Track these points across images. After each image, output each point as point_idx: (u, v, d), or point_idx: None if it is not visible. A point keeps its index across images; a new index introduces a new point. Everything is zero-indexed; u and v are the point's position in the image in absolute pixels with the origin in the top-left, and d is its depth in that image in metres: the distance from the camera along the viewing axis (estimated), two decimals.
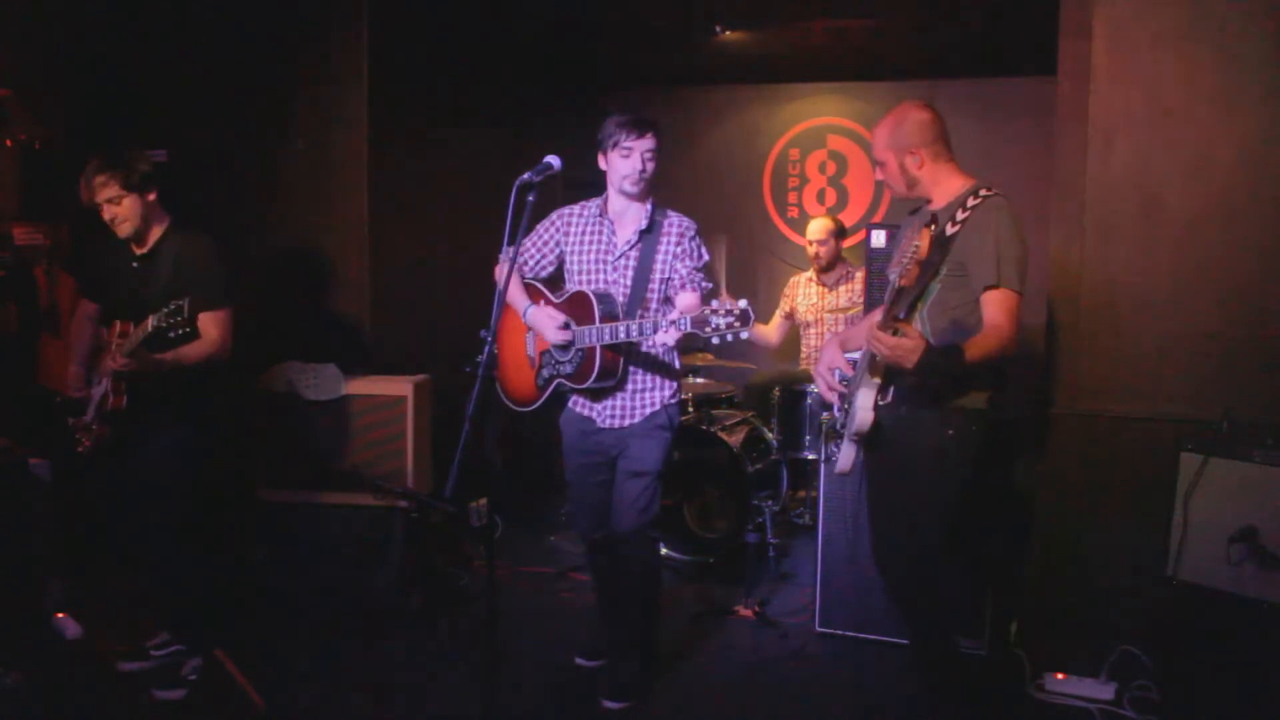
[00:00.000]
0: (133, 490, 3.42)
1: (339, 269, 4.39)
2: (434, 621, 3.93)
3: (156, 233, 3.42)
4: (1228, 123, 3.29)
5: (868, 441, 2.83)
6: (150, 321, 3.17)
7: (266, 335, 4.25)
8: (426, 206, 4.82)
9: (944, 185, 2.83)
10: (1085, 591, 3.48)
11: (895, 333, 2.51)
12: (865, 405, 2.75)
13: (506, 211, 2.70)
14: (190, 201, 4.29)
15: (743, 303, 2.66)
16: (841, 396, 2.91)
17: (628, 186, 3.17)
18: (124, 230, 3.36)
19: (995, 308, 2.65)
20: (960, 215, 2.72)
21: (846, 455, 2.91)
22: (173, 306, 3.12)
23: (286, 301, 4.40)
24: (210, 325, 3.37)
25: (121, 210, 3.33)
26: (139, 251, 3.42)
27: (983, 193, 2.74)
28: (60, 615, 3.65)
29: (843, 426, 2.91)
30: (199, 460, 3.46)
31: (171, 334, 3.18)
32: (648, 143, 3.13)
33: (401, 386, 3.99)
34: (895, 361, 2.53)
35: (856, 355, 2.92)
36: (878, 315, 2.67)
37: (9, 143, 4.08)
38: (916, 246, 2.52)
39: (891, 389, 2.78)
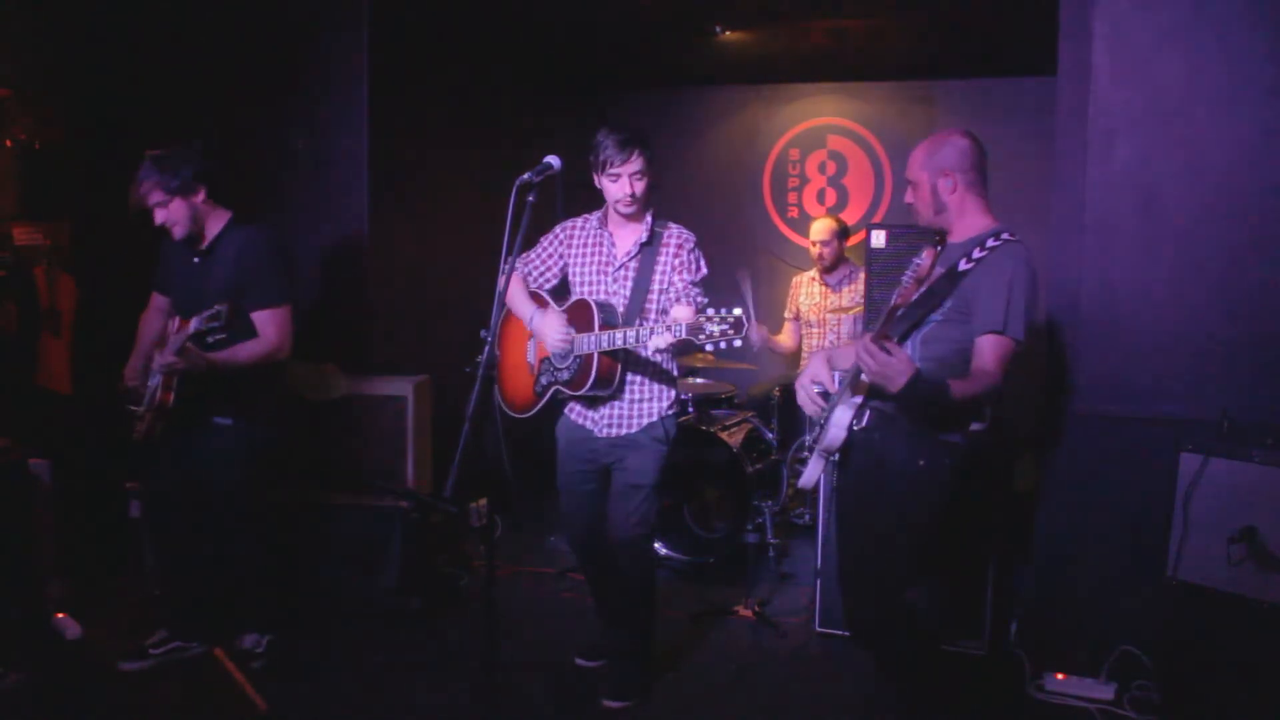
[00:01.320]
0: (190, 488, 3.42)
1: (339, 269, 4.39)
2: (434, 621, 3.93)
3: (215, 229, 3.39)
4: (1228, 123, 3.29)
5: (838, 462, 2.82)
6: (192, 323, 3.18)
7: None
8: (426, 206, 4.82)
9: (968, 219, 2.78)
10: (1085, 591, 3.48)
11: (886, 352, 2.48)
12: (840, 423, 2.75)
13: (506, 211, 2.70)
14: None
15: (737, 310, 2.66)
16: (820, 410, 2.90)
17: (621, 209, 3.19)
18: (177, 233, 3.34)
19: (990, 353, 2.60)
20: (977, 254, 2.67)
21: (813, 470, 2.90)
22: (214, 310, 3.11)
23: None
24: (266, 324, 3.33)
25: (170, 214, 3.31)
26: (200, 248, 3.40)
27: (1004, 236, 2.70)
28: (60, 615, 3.65)
29: (814, 441, 2.90)
30: (255, 460, 3.44)
31: (210, 338, 3.18)
32: (635, 165, 3.12)
33: (401, 386, 3.99)
34: (880, 381, 2.50)
35: (842, 372, 2.92)
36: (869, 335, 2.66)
37: (9, 143, 4.08)
38: (918, 264, 2.47)
39: (867, 413, 2.76)
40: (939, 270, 2.75)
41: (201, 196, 3.35)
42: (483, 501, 4.42)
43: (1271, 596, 2.96)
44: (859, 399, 2.76)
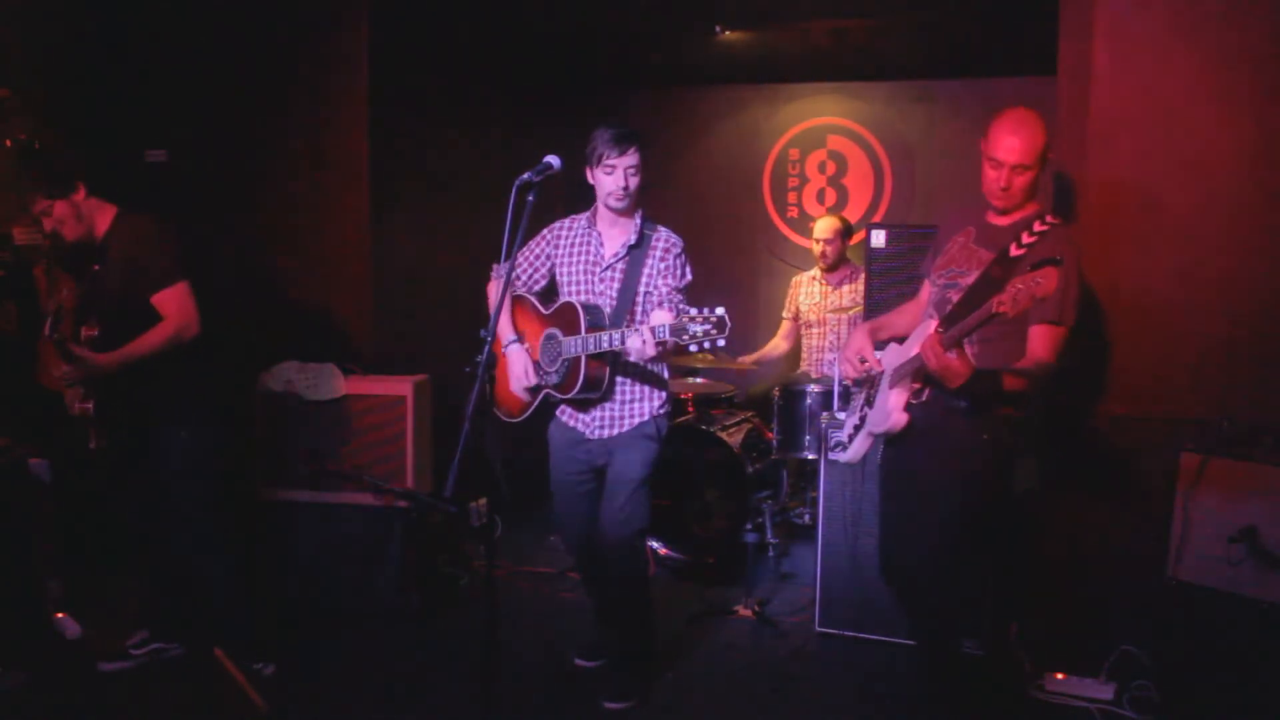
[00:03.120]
0: (148, 495, 3.39)
1: (339, 269, 4.39)
2: (434, 621, 3.93)
3: (103, 226, 3.30)
4: (1228, 123, 3.29)
5: (896, 438, 2.84)
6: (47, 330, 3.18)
7: (266, 335, 4.25)
8: (426, 206, 4.82)
9: (1028, 203, 2.81)
10: (1085, 591, 3.47)
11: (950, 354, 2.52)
12: (898, 406, 2.78)
13: (506, 211, 2.70)
14: (190, 201, 4.31)
15: (719, 310, 2.67)
16: (865, 386, 2.91)
17: (612, 203, 3.18)
18: (69, 234, 3.26)
19: (1046, 342, 2.64)
20: (1026, 239, 2.68)
21: (860, 447, 2.94)
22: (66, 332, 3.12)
23: (286, 301, 4.40)
24: (165, 304, 3.23)
25: (55, 218, 3.23)
26: (94, 254, 3.32)
27: (1049, 219, 2.72)
28: (60, 615, 3.65)
29: (861, 418, 2.91)
30: (209, 462, 3.40)
31: (59, 349, 3.15)
32: (630, 159, 3.12)
33: (401, 386, 3.99)
34: (939, 377, 2.57)
35: (883, 351, 2.94)
36: (933, 324, 2.67)
37: (9, 143, 4.07)
38: (1038, 283, 2.32)
39: (926, 390, 2.80)
40: (986, 254, 2.77)
41: (82, 194, 3.26)
42: (483, 501, 4.44)
43: (1271, 596, 2.96)
44: (916, 385, 2.79)
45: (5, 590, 3.49)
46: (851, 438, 3.03)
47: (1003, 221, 2.83)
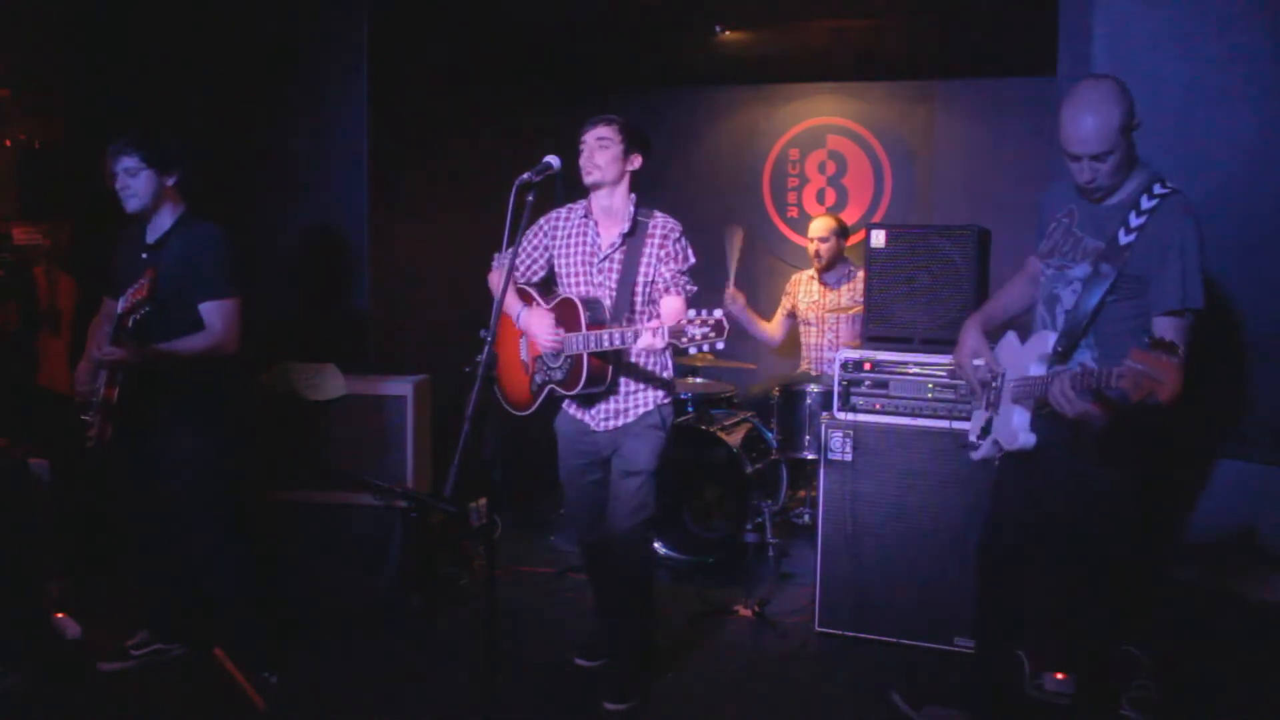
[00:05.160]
0: (150, 498, 3.38)
1: (339, 269, 4.39)
2: (434, 621, 3.93)
3: (167, 221, 3.31)
4: (1228, 123, 3.29)
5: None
6: (119, 304, 3.10)
7: (266, 335, 4.25)
8: (426, 206, 4.82)
9: (1125, 177, 2.55)
10: (1085, 591, 3.46)
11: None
12: (1023, 426, 2.67)
13: (506, 211, 2.70)
14: (190, 201, 4.30)
15: (718, 313, 2.67)
16: (985, 386, 2.86)
17: (585, 178, 3.22)
18: (131, 205, 3.25)
19: (1171, 334, 2.34)
20: (1135, 220, 2.47)
21: (989, 450, 2.88)
22: (137, 285, 3.05)
23: (286, 301, 4.40)
24: (213, 316, 3.25)
25: (135, 184, 3.23)
26: (149, 242, 3.32)
27: (1158, 190, 2.49)
28: (60, 615, 3.65)
29: (987, 420, 2.85)
30: (214, 463, 3.37)
31: (135, 316, 3.11)
32: (598, 130, 3.17)
33: (401, 386, 3.99)
34: (1061, 411, 2.42)
35: (1000, 345, 2.87)
36: (1051, 340, 2.60)
37: (9, 143, 4.07)
38: (1159, 381, 2.12)
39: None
40: (1096, 244, 2.58)
41: (173, 181, 3.29)
42: (483, 501, 4.44)
43: (1271, 596, 2.96)
44: (1041, 407, 2.65)
45: (5, 590, 3.49)
46: (980, 439, 2.92)
47: (1107, 202, 2.61)
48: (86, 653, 3.54)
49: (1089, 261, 2.61)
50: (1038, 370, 2.64)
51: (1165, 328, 2.42)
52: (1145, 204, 2.49)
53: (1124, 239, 2.50)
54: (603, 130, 3.18)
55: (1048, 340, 2.66)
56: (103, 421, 3.26)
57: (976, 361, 2.88)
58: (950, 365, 3.57)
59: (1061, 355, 2.62)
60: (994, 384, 2.86)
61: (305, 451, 3.99)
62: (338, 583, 3.96)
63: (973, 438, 2.99)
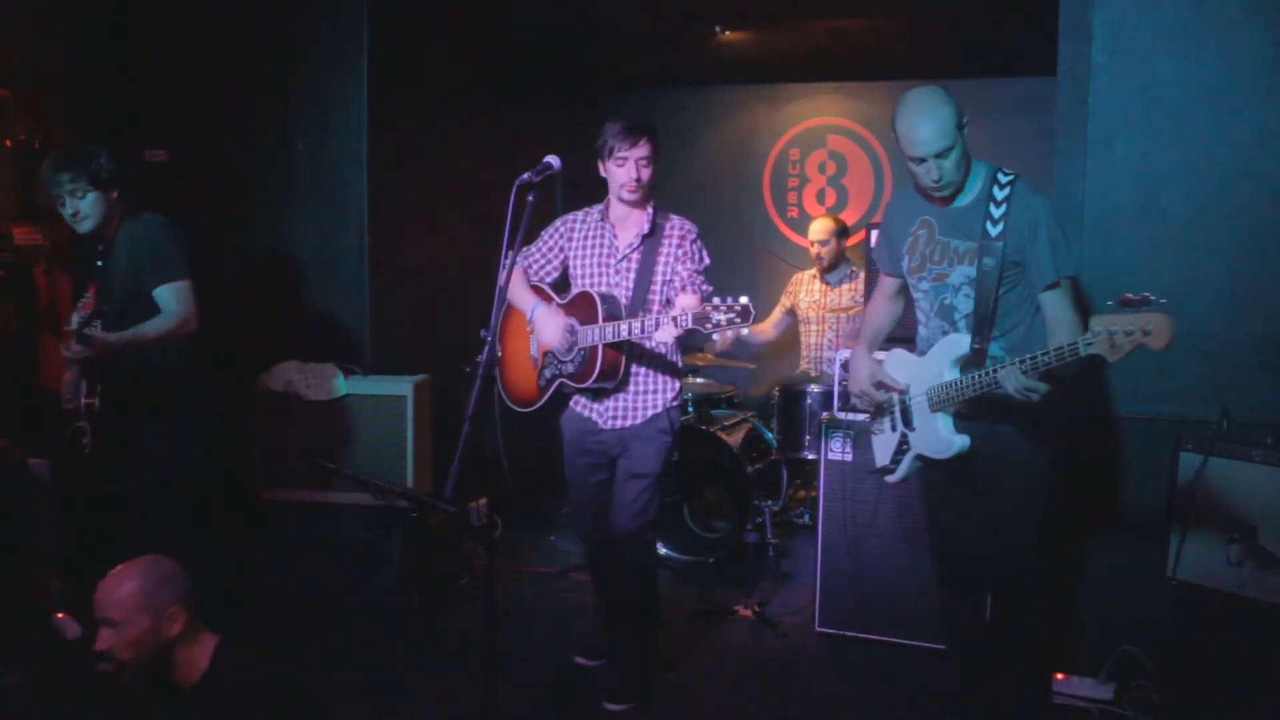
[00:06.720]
0: (133, 493, 3.41)
1: (339, 269, 4.38)
2: (434, 621, 3.93)
3: (114, 227, 3.39)
4: (1227, 123, 3.29)
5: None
6: (74, 319, 3.19)
7: (266, 335, 4.25)
8: (426, 206, 4.82)
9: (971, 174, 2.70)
10: (1085, 591, 3.47)
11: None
12: (951, 430, 2.71)
13: (506, 211, 2.70)
14: (190, 201, 4.31)
15: (744, 299, 2.67)
16: (887, 412, 2.88)
17: (625, 195, 3.18)
18: (84, 227, 3.33)
19: (1060, 305, 2.57)
20: (997, 210, 2.61)
21: (909, 468, 2.88)
22: (87, 310, 3.19)
23: (286, 301, 4.40)
24: (168, 298, 3.31)
25: (84, 205, 3.29)
26: (101, 248, 3.39)
27: (999, 178, 2.64)
28: (60, 615, 3.65)
29: (901, 438, 2.86)
30: (191, 461, 3.44)
31: (91, 326, 3.20)
32: (642, 150, 3.13)
33: (401, 386, 3.99)
34: (1020, 398, 2.48)
35: (888, 361, 2.89)
36: (966, 342, 2.65)
37: (9, 143, 4.07)
38: (1148, 331, 2.34)
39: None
40: (967, 245, 2.68)
41: (115, 194, 3.35)
42: (483, 501, 4.44)
43: (1271, 596, 2.96)
44: (960, 408, 2.70)
45: (5, 590, 3.49)
46: (897, 461, 2.91)
47: (960, 203, 2.72)
48: (86, 653, 3.54)
49: (967, 263, 2.68)
50: (953, 375, 2.68)
51: (1051, 302, 2.59)
52: (999, 194, 2.63)
53: (994, 230, 2.62)
54: (647, 149, 3.13)
55: (961, 343, 2.68)
56: (92, 430, 3.35)
57: (878, 388, 2.89)
58: None
59: (976, 355, 2.67)
60: (901, 402, 2.86)
61: (305, 451, 4.00)
62: (338, 582, 3.96)
63: (885, 463, 2.96)
